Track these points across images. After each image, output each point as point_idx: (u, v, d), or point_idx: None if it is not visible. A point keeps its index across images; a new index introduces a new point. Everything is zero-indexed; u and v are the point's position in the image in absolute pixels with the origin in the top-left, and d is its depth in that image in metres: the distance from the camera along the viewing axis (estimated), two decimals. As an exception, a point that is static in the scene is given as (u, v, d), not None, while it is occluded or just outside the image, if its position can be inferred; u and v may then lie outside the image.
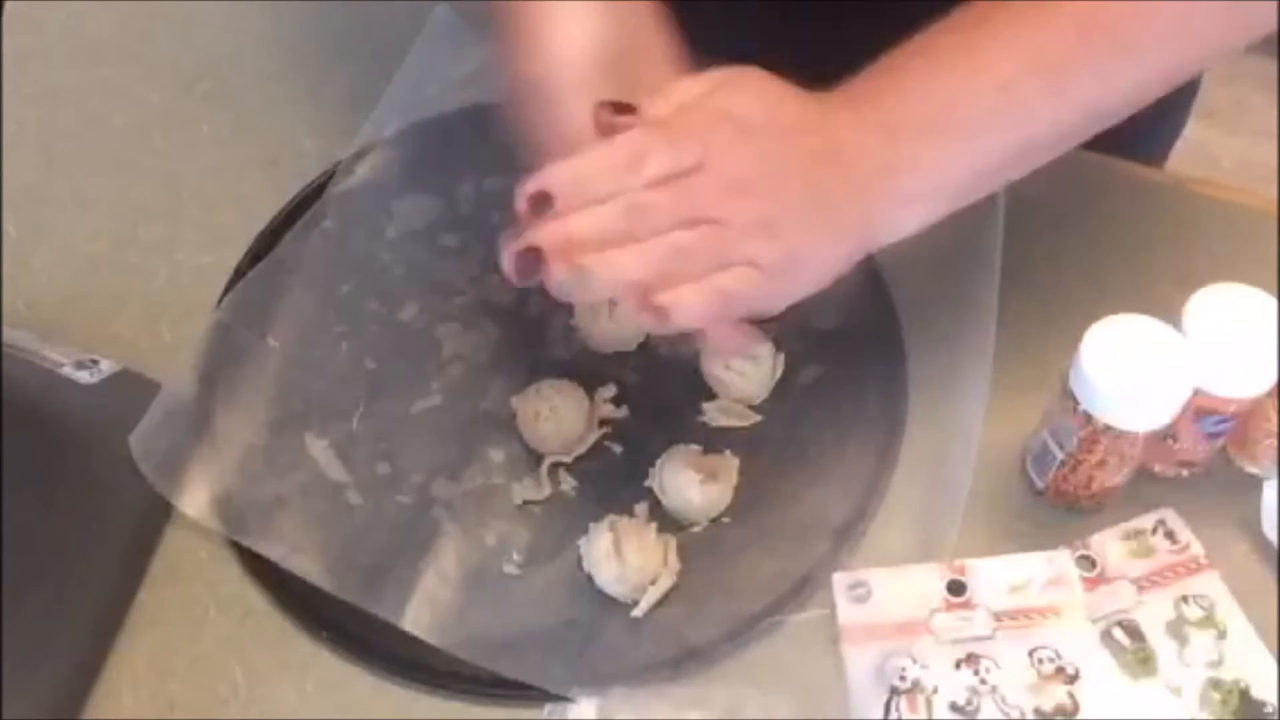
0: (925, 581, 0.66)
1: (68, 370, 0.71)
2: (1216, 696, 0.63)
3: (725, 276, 0.55)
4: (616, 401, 0.73)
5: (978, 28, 0.58)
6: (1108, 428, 0.63)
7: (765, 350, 0.72)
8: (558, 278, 0.54)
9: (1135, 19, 0.57)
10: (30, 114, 0.86)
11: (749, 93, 0.56)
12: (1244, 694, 0.63)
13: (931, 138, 0.58)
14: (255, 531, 0.68)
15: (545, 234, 0.54)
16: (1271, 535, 0.67)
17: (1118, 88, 0.59)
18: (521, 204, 0.54)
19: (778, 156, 0.56)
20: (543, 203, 0.54)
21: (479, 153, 0.81)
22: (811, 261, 0.57)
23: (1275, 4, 0.58)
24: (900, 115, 0.57)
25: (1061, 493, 0.68)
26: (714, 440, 0.71)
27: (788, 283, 0.57)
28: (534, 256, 0.54)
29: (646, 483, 0.70)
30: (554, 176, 0.54)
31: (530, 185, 0.54)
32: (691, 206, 0.54)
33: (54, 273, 0.80)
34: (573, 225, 0.54)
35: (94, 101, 0.87)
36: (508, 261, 0.55)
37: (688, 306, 0.55)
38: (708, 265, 0.55)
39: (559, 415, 0.70)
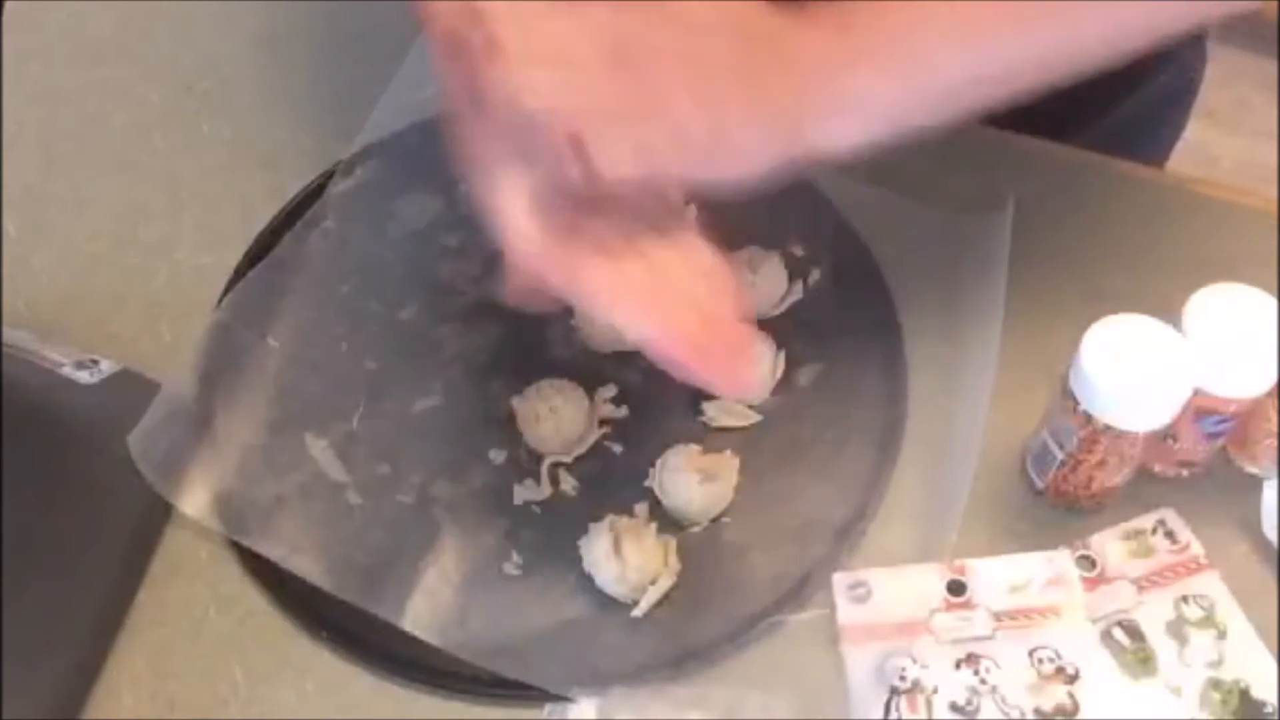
0: (925, 581, 0.66)
1: (68, 370, 0.71)
2: (1216, 696, 0.63)
3: (654, 132, 0.52)
4: (616, 401, 0.73)
5: None
6: (1108, 428, 0.63)
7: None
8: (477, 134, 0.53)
9: None
10: (30, 114, 0.86)
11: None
12: (1244, 694, 0.63)
13: (879, 48, 0.56)
14: (255, 531, 0.68)
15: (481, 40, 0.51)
16: (1271, 535, 0.67)
17: (1082, 36, 0.57)
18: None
19: (715, 34, 0.53)
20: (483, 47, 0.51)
21: (479, 153, 0.81)
22: (740, 144, 0.54)
23: None
24: (844, 22, 0.55)
25: (1061, 493, 0.68)
26: (714, 440, 0.71)
27: (714, 160, 0.54)
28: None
29: (646, 483, 0.70)
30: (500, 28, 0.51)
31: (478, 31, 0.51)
32: (614, 31, 0.51)
33: (54, 273, 0.80)
34: (501, 39, 0.51)
35: (94, 101, 0.87)
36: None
37: (616, 157, 0.52)
38: (625, 107, 0.51)
39: (559, 415, 0.70)
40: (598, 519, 0.68)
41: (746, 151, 0.54)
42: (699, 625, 0.65)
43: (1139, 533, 0.67)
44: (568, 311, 0.74)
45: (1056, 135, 0.80)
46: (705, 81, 0.52)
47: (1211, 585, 0.66)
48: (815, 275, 0.76)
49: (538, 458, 0.71)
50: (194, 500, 0.68)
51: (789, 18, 0.55)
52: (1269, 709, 0.62)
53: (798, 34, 0.55)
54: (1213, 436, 0.67)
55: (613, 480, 0.70)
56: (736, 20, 0.54)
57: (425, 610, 0.66)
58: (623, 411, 0.72)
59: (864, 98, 0.56)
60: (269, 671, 0.66)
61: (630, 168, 0.52)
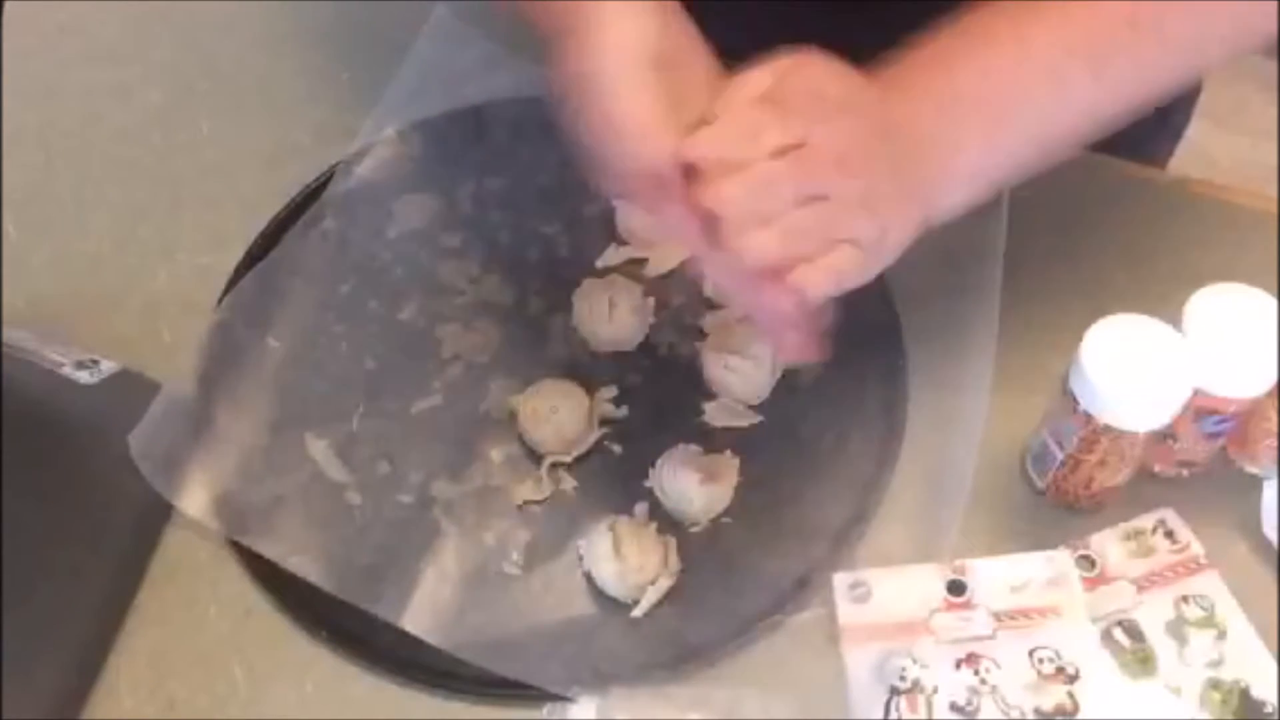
0: (925, 581, 0.66)
1: (68, 370, 0.71)
2: (1216, 696, 0.63)
3: (837, 256, 0.56)
4: (616, 401, 0.73)
5: (1027, 12, 0.58)
6: (1108, 428, 0.63)
7: (765, 350, 0.72)
8: (711, 266, 0.59)
9: (1187, 15, 0.59)
10: (30, 114, 0.86)
11: (826, 72, 0.57)
12: (1244, 694, 0.63)
13: (979, 118, 0.59)
14: (255, 531, 0.68)
15: (700, 197, 0.55)
16: (1271, 535, 0.67)
17: (1156, 80, 0.61)
18: (676, 170, 0.55)
19: (865, 131, 0.56)
20: (692, 170, 0.55)
21: (479, 153, 0.81)
22: (895, 237, 0.58)
23: None
24: (950, 94, 0.58)
25: (1061, 493, 0.68)
26: (714, 440, 0.71)
27: (877, 258, 0.58)
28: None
29: (646, 483, 0.70)
30: (698, 147, 0.55)
31: (684, 152, 0.55)
32: (807, 181, 0.55)
33: (54, 273, 0.80)
34: (718, 193, 0.55)
35: (94, 101, 0.87)
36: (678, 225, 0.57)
37: (815, 285, 0.56)
38: (820, 243, 0.56)
39: (559, 415, 0.70)
40: (597, 519, 0.68)
41: (898, 243, 0.58)
42: (699, 625, 0.65)
43: (1139, 533, 0.67)
44: (567, 311, 0.74)
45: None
46: (871, 193, 0.56)
47: (1211, 585, 0.66)
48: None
49: (537, 458, 0.71)
50: (194, 500, 0.69)
51: (896, 91, 0.58)
52: (1269, 709, 0.62)
53: (913, 113, 0.58)
54: (1213, 436, 0.67)
55: (613, 480, 0.70)
56: (869, 103, 0.57)
57: (425, 610, 0.66)
58: (623, 411, 0.72)
59: (976, 171, 0.60)
60: (269, 671, 0.66)
61: (825, 291, 0.57)
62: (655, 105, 0.55)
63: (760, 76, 0.57)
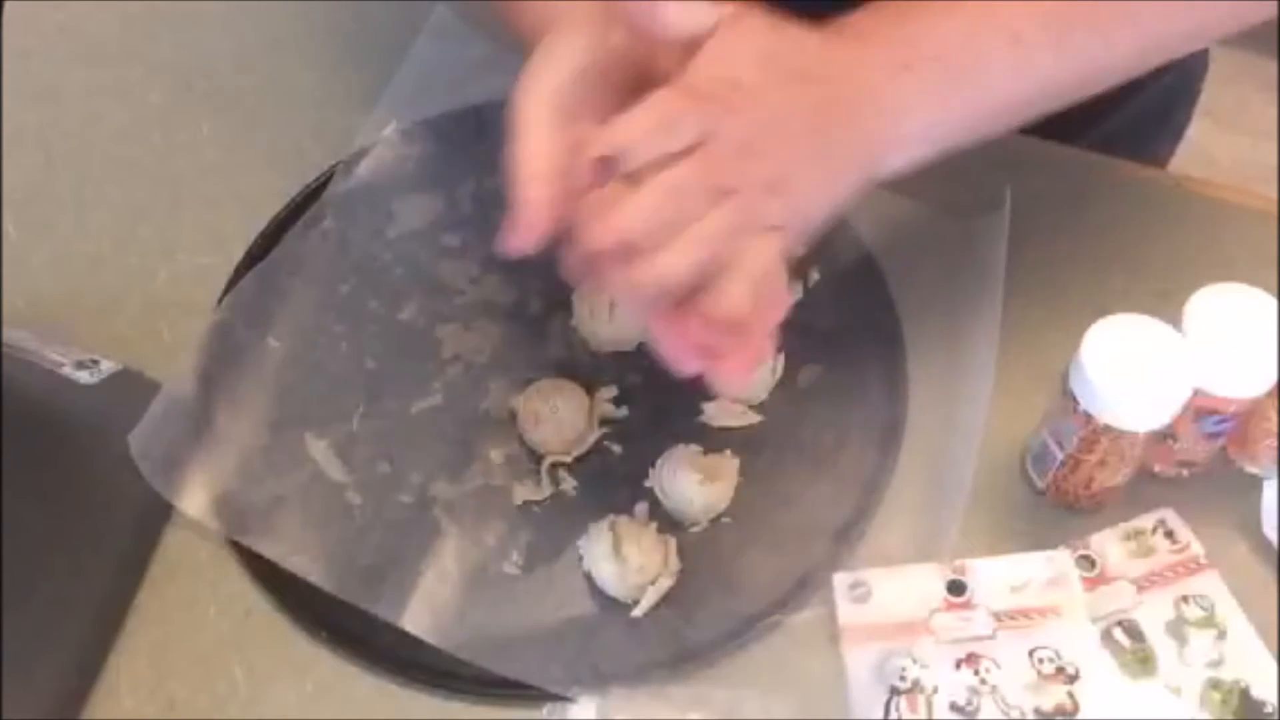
0: (925, 581, 0.66)
1: (68, 370, 0.71)
2: (1216, 696, 0.63)
3: (754, 257, 0.55)
4: (616, 401, 0.73)
5: None
6: (1108, 428, 0.63)
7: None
8: (619, 293, 0.56)
9: None
10: (30, 114, 0.86)
11: (747, 46, 0.55)
12: (1244, 694, 0.63)
13: (934, 79, 0.58)
14: (255, 531, 0.68)
15: (599, 238, 0.53)
16: (1271, 535, 0.67)
17: (1119, 51, 0.60)
18: (589, 164, 0.54)
19: (780, 112, 0.55)
20: (606, 164, 0.54)
21: (479, 153, 0.81)
22: (819, 208, 0.57)
23: None
24: (909, 55, 0.57)
25: (1061, 493, 0.68)
26: (714, 440, 0.71)
27: (800, 231, 0.57)
28: (589, 261, 0.54)
29: (646, 483, 0.70)
30: (608, 140, 0.53)
31: (593, 149, 0.54)
32: (712, 177, 0.54)
33: (54, 273, 0.80)
34: (622, 224, 0.53)
35: (94, 101, 0.87)
36: (567, 268, 0.55)
37: (737, 305, 0.54)
38: (736, 241, 0.54)
39: (559, 415, 0.70)
40: (598, 519, 0.68)
41: (825, 210, 0.57)
42: (699, 625, 0.65)
43: (1139, 533, 0.67)
44: (567, 311, 0.74)
45: (1060, 139, 0.80)
46: (781, 176, 0.55)
47: (1211, 585, 0.66)
48: (815, 276, 0.76)
49: (538, 458, 0.71)
50: (194, 500, 0.69)
51: (847, 48, 0.57)
52: (1269, 709, 0.62)
53: (862, 73, 0.57)
54: (1213, 436, 0.67)
55: (613, 480, 0.70)
56: (795, 76, 0.55)
57: (425, 610, 0.66)
58: (623, 411, 0.72)
59: (926, 134, 0.59)
60: (269, 671, 0.66)
61: (749, 304, 0.55)
62: (546, 153, 0.55)
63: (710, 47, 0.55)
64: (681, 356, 0.56)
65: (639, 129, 0.53)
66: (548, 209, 0.54)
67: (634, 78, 0.57)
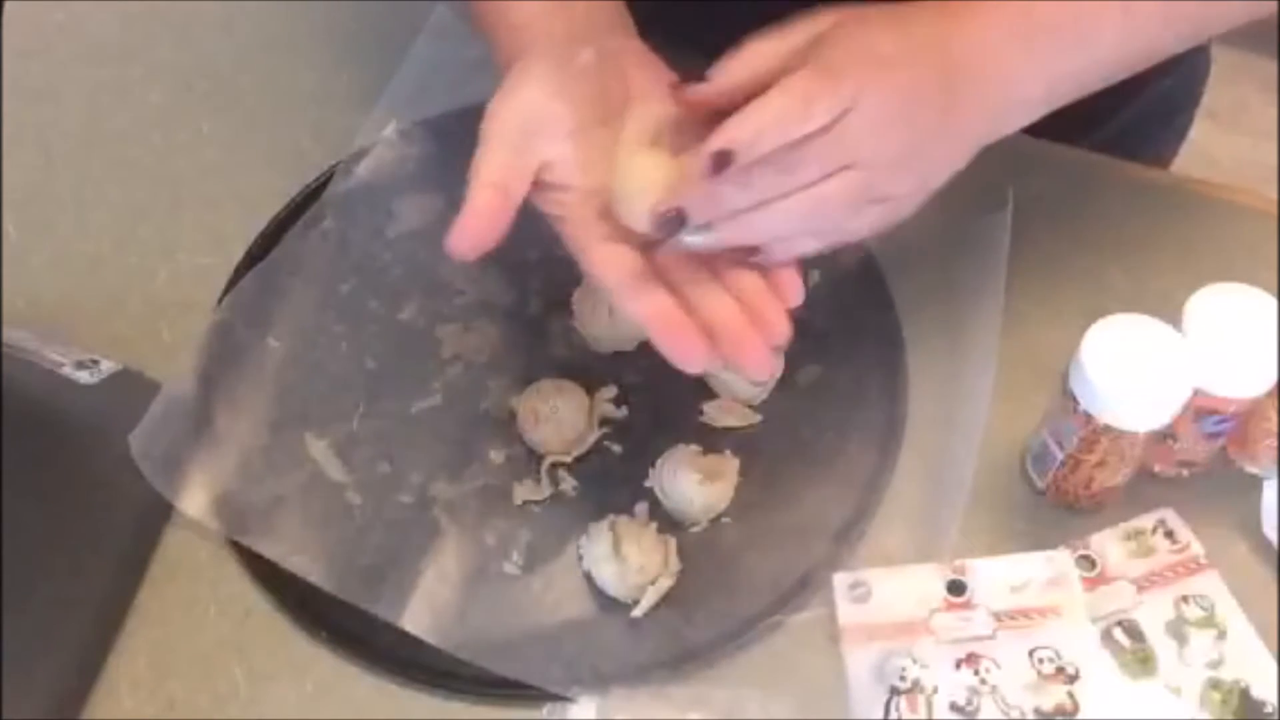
0: (925, 581, 0.66)
1: (68, 370, 0.71)
2: (1216, 696, 0.63)
3: (860, 221, 0.56)
4: (616, 401, 0.73)
5: None
6: (1108, 428, 0.63)
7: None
8: (691, 238, 0.56)
9: None
10: (30, 114, 0.86)
11: (875, 23, 0.56)
12: (1244, 694, 0.63)
13: (1054, 50, 0.59)
14: (255, 531, 0.68)
15: (716, 195, 0.55)
16: (1271, 535, 0.67)
17: (1212, 22, 0.62)
18: (705, 165, 0.54)
19: (914, 85, 0.55)
20: (724, 160, 0.53)
21: (479, 153, 0.81)
22: (939, 177, 0.58)
23: None
24: (1026, 26, 0.58)
25: (1061, 493, 0.68)
26: (714, 440, 0.71)
27: (911, 205, 0.58)
28: (676, 218, 0.55)
29: (646, 483, 0.70)
30: (733, 133, 0.53)
31: (712, 144, 0.53)
32: (842, 153, 0.54)
33: (54, 273, 0.80)
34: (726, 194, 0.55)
35: (94, 101, 0.87)
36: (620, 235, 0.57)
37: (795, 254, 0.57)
38: (846, 212, 0.56)
39: (559, 415, 0.70)
40: (598, 519, 0.68)
41: (937, 184, 0.58)
42: (699, 625, 0.65)
43: (1139, 533, 0.67)
44: (567, 311, 0.74)
45: (1061, 140, 0.80)
46: (912, 152, 0.56)
47: (1211, 585, 0.66)
48: (815, 276, 0.76)
49: (538, 458, 0.71)
50: (194, 500, 0.69)
51: (962, 21, 0.57)
52: (1269, 709, 0.62)
53: (979, 44, 0.57)
54: (1213, 436, 0.67)
55: (613, 480, 0.70)
56: (923, 47, 0.56)
57: (425, 610, 0.66)
58: (623, 411, 0.72)
59: (1039, 98, 0.60)
60: (269, 671, 0.66)
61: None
62: (503, 165, 0.58)
63: (774, 44, 0.56)
64: (688, 349, 0.57)
65: (766, 117, 0.53)
66: (495, 218, 0.57)
67: (601, 95, 0.59)
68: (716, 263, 0.58)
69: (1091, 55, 0.60)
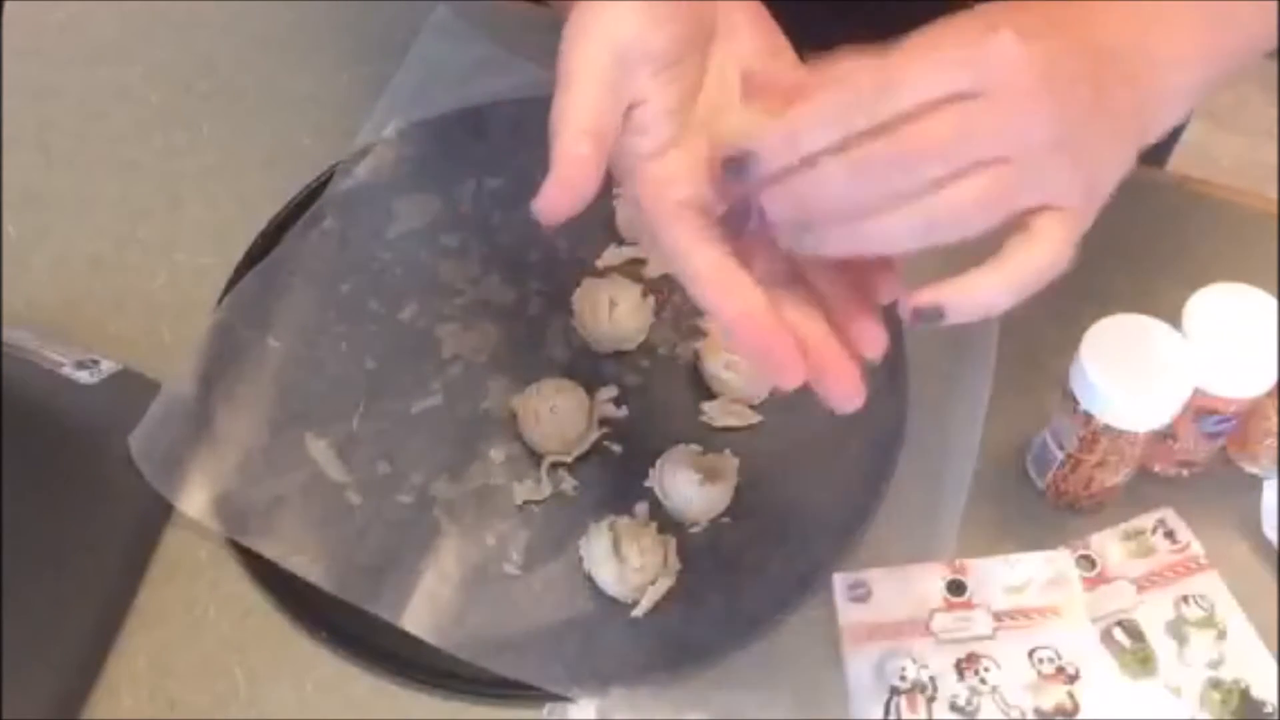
0: (925, 581, 0.66)
1: (68, 370, 0.71)
2: (1216, 696, 0.63)
3: (1026, 253, 0.47)
4: (616, 401, 0.73)
5: None
6: (1108, 428, 0.63)
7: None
8: (788, 239, 0.47)
9: None
10: (30, 114, 0.86)
11: (998, 11, 0.47)
12: (1244, 694, 0.63)
13: (1197, 28, 0.52)
14: (255, 531, 0.68)
15: (784, 203, 0.46)
16: (1271, 535, 0.67)
17: None
18: (716, 170, 0.47)
19: (1054, 60, 0.46)
20: (737, 168, 0.46)
21: (479, 153, 0.81)
22: (1107, 175, 0.49)
23: None
24: (1163, 6, 0.51)
25: (1061, 493, 0.68)
26: (714, 440, 0.71)
27: (1088, 217, 0.49)
28: (742, 215, 0.47)
29: (646, 483, 0.70)
30: (803, 118, 0.45)
31: (727, 150, 0.46)
32: (974, 146, 0.45)
33: (54, 273, 0.80)
34: (824, 180, 0.45)
35: (94, 101, 0.87)
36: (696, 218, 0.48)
37: (987, 302, 0.47)
38: (988, 214, 0.46)
39: (559, 415, 0.70)
40: (597, 519, 0.68)
41: (1108, 188, 0.50)
42: (699, 625, 0.65)
43: (1139, 533, 0.67)
44: (567, 311, 0.74)
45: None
46: (1068, 133, 0.47)
47: (1211, 585, 0.66)
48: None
49: (537, 458, 0.71)
50: (194, 500, 0.69)
51: (1098, 8, 0.50)
52: (1269, 709, 0.62)
53: (1123, 28, 0.50)
54: (1213, 436, 0.67)
55: (613, 480, 0.70)
56: (1071, 22, 0.48)
57: (425, 610, 0.66)
58: (623, 411, 0.72)
59: (1195, 85, 0.53)
60: (269, 671, 0.66)
61: (1004, 304, 0.49)
62: (595, 108, 0.49)
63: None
64: (784, 361, 0.49)
65: (834, 106, 0.45)
66: (592, 168, 0.49)
67: (699, 23, 0.52)
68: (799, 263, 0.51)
69: (1232, 32, 0.54)
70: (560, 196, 0.49)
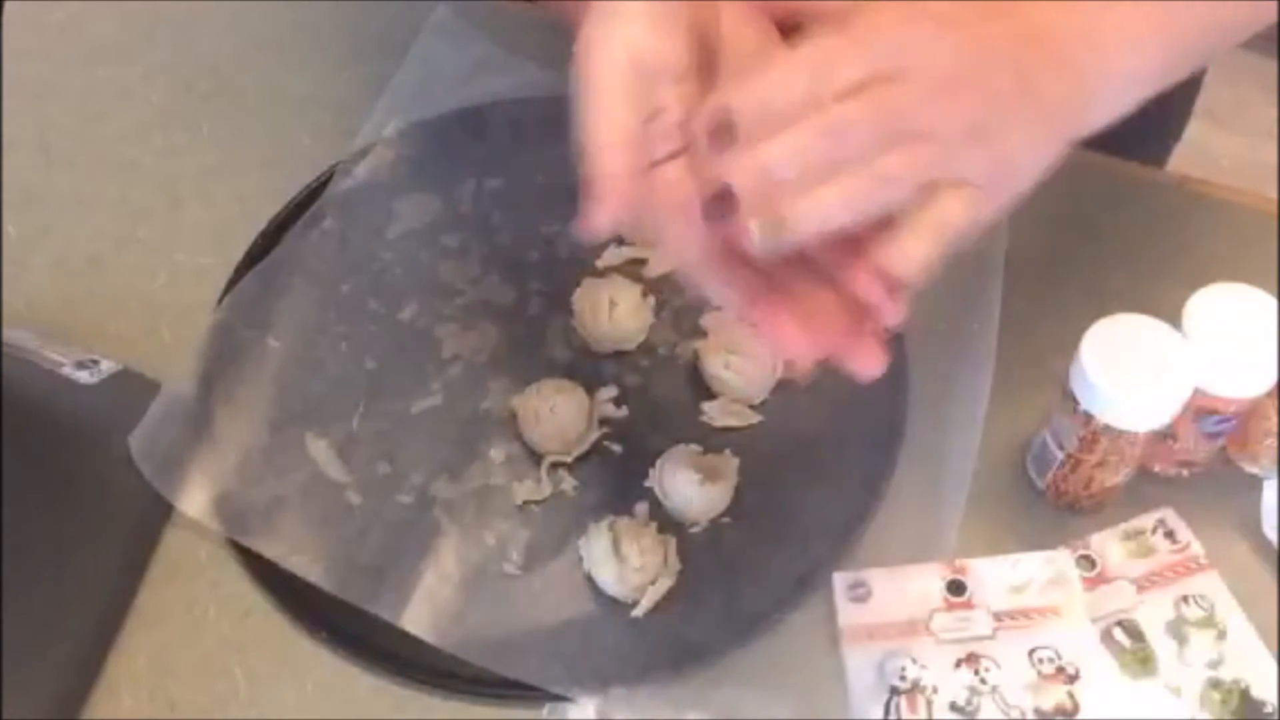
0: (925, 581, 0.66)
1: (68, 370, 0.71)
2: (1216, 696, 0.63)
3: (942, 210, 0.48)
4: (616, 401, 0.73)
5: None
6: (1108, 428, 0.63)
7: (764, 351, 0.72)
8: (754, 233, 0.47)
9: None
10: (30, 114, 0.86)
11: None
12: (1244, 694, 0.63)
13: (1159, 10, 0.52)
14: (255, 531, 0.68)
15: (738, 171, 0.47)
16: (1271, 535, 0.67)
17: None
18: (702, 132, 0.48)
19: (982, 45, 0.48)
20: (724, 129, 0.47)
21: (479, 153, 0.81)
22: (1025, 163, 0.50)
23: None
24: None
25: (1061, 493, 0.68)
26: (714, 440, 0.71)
27: (1001, 193, 0.50)
28: (724, 200, 0.47)
29: (646, 483, 0.70)
30: (735, 96, 0.47)
31: (709, 107, 0.47)
32: (894, 118, 0.47)
33: (54, 273, 0.80)
34: (766, 156, 0.46)
35: (94, 101, 0.87)
36: (697, 208, 0.48)
37: (910, 262, 0.48)
38: (920, 190, 0.47)
39: (559, 415, 0.70)
40: (597, 519, 0.68)
41: (1030, 170, 0.51)
42: (699, 625, 0.65)
43: (1139, 533, 0.67)
44: (567, 311, 0.74)
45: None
46: (987, 121, 0.48)
47: (1211, 585, 0.66)
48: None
49: (537, 458, 0.71)
50: (194, 500, 0.69)
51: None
52: (1269, 709, 0.62)
53: (1055, 12, 0.50)
54: (1213, 436, 0.67)
55: (613, 480, 0.70)
56: (991, 10, 0.49)
57: (425, 610, 0.66)
58: (623, 411, 0.72)
59: (1148, 72, 0.53)
60: (269, 671, 0.66)
61: (929, 255, 0.49)
62: (624, 114, 0.49)
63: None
64: (795, 346, 0.51)
65: (778, 82, 0.47)
66: (628, 182, 0.49)
67: (702, 30, 0.52)
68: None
69: (1187, 16, 0.53)
70: (603, 215, 0.50)
